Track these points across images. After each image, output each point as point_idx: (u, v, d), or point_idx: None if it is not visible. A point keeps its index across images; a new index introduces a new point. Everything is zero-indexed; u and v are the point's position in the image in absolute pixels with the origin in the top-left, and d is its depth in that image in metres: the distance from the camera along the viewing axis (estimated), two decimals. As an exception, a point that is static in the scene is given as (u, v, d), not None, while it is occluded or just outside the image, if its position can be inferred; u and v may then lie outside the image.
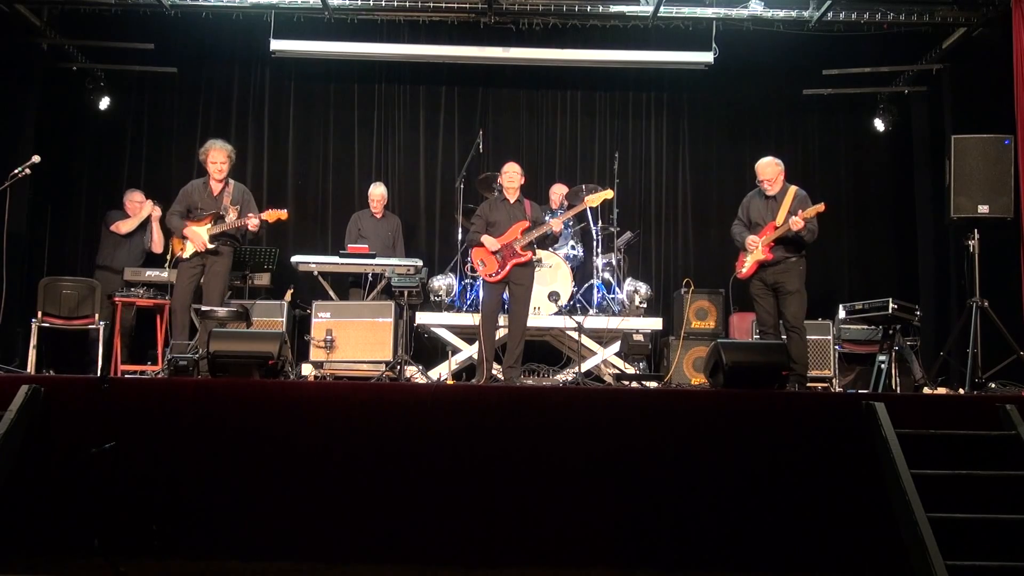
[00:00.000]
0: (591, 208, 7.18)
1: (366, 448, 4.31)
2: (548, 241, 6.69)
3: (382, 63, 8.55)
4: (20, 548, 4.08)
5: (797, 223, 5.79)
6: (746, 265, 6.06)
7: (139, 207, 7.45)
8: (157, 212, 7.35)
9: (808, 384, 6.26)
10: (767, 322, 6.02)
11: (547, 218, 6.65)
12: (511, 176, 6.55)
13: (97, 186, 8.48)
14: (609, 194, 6.75)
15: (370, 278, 7.34)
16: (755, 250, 5.99)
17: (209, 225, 6.15)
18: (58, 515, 4.14)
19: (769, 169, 6.08)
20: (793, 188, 6.04)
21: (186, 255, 6.15)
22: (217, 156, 6.18)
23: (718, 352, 4.89)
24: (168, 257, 6.89)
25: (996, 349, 5.93)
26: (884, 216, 8.75)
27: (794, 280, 5.92)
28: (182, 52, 8.32)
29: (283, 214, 6.41)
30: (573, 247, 7.43)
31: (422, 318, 7.02)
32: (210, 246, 6.10)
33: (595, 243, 7.41)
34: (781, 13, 7.44)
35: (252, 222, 6.17)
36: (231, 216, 6.13)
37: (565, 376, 6.84)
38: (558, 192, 7.78)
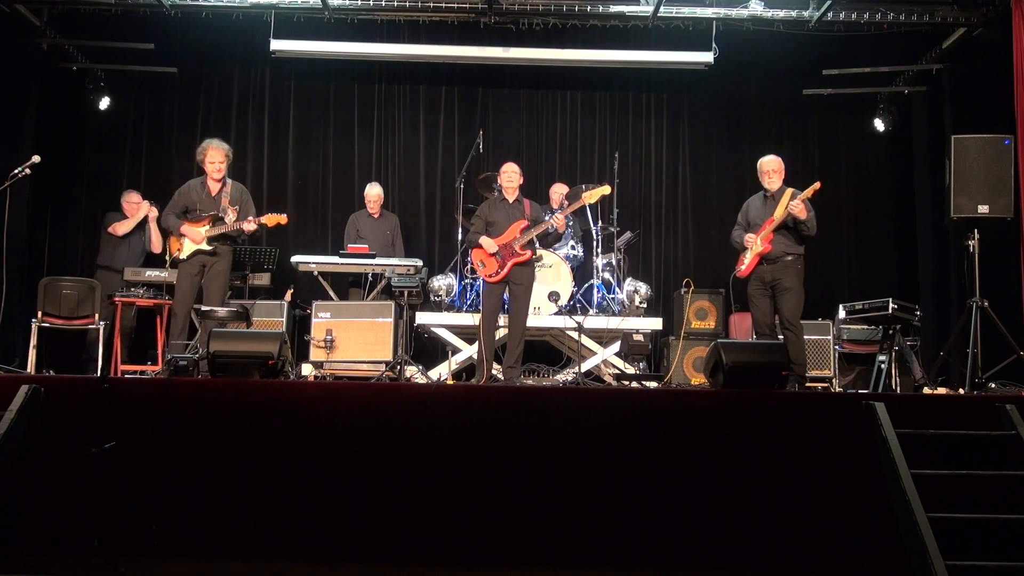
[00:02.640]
0: (591, 208, 7.18)
1: (366, 448, 4.30)
2: (550, 239, 6.69)
3: (382, 63, 8.54)
4: (20, 548, 4.08)
5: (797, 206, 5.84)
6: (745, 262, 6.08)
7: (136, 208, 7.44)
8: (154, 213, 7.34)
9: (808, 384, 6.26)
10: (762, 324, 6.06)
11: (547, 217, 6.65)
12: (510, 176, 6.56)
13: (97, 186, 8.48)
14: (607, 190, 6.73)
15: (370, 278, 7.33)
16: (754, 245, 6.01)
17: (208, 227, 6.09)
18: (58, 515, 4.14)
19: (773, 162, 6.18)
20: (790, 189, 6.08)
21: (184, 255, 6.10)
22: (215, 156, 6.12)
23: (718, 352, 4.89)
24: (166, 257, 6.89)
25: (996, 349, 5.93)
26: (884, 216, 8.75)
27: (792, 277, 5.97)
28: (182, 52, 8.30)
29: (283, 219, 6.33)
30: (573, 247, 7.42)
31: (422, 318, 7.01)
32: (207, 248, 6.06)
33: (595, 243, 7.41)
34: (781, 13, 7.44)
35: (250, 226, 6.09)
36: (230, 217, 6.07)
37: (565, 376, 6.84)
38: (558, 192, 7.77)
